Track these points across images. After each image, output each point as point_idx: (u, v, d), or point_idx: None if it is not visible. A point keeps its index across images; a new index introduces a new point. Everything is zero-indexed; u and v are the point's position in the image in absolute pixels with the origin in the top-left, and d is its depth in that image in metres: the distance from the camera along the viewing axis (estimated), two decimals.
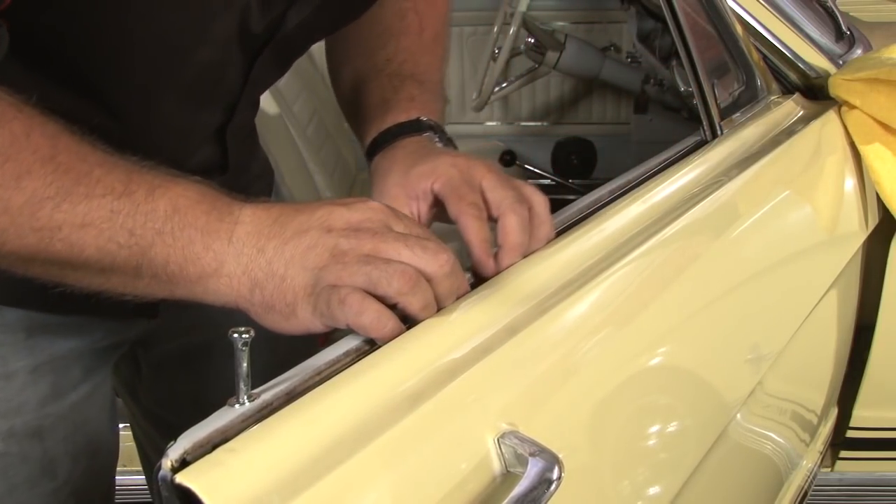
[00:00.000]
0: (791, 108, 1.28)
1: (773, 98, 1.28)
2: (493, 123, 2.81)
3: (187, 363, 0.91)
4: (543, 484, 0.51)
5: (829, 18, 1.49)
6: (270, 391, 0.49)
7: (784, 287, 1.06)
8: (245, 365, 0.47)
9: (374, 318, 0.53)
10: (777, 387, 1.07)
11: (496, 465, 0.54)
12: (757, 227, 0.99)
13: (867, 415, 1.46)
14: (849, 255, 1.25)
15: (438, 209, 0.67)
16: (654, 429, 0.76)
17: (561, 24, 2.61)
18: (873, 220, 1.31)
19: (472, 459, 0.53)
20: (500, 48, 2.39)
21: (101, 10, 0.58)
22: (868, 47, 1.50)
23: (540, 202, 0.67)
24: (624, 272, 0.73)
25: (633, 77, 2.35)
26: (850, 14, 1.68)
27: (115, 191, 0.53)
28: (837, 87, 1.29)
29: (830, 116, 1.28)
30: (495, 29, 2.45)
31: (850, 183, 1.27)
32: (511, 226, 0.64)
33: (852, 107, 1.27)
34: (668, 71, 1.76)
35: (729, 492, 1.01)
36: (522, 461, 0.53)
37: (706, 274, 0.86)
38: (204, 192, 0.55)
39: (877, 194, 1.28)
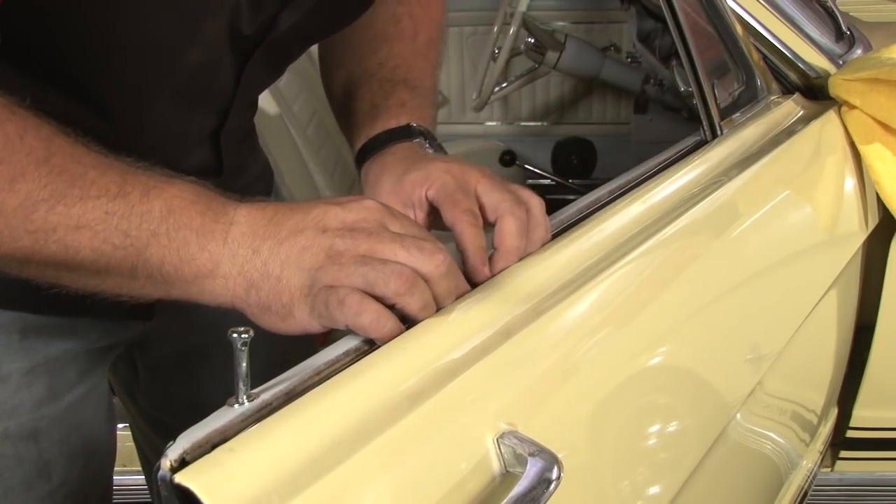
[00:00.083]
0: (791, 108, 1.28)
1: (773, 98, 1.28)
2: (493, 123, 2.81)
3: (184, 366, 0.91)
4: (543, 484, 0.51)
5: (829, 18, 1.49)
6: (270, 391, 0.49)
7: (784, 287, 1.06)
8: (244, 365, 0.47)
9: (374, 319, 0.53)
10: (777, 387, 1.07)
11: (495, 465, 0.54)
12: (757, 227, 0.99)
13: (867, 415, 1.46)
14: (849, 255, 1.25)
15: (434, 216, 0.66)
16: (654, 429, 0.76)
17: (561, 24, 2.61)
18: (873, 220, 1.31)
19: (471, 459, 0.53)
20: (500, 48, 2.39)
21: (90, 12, 0.58)
22: (868, 47, 1.50)
23: (536, 204, 0.67)
24: (624, 272, 0.73)
25: (633, 77, 2.35)
26: (850, 14, 1.68)
27: (110, 192, 0.53)
28: (837, 87, 1.29)
29: (830, 116, 1.28)
30: (495, 29, 2.45)
31: (850, 183, 1.27)
32: (508, 229, 0.64)
33: (852, 107, 1.27)
34: (668, 71, 1.76)
35: (729, 492, 1.01)
36: (522, 461, 0.53)
37: (706, 274, 0.86)
38: (199, 193, 0.55)
39: (877, 194, 1.28)
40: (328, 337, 0.57)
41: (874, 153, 1.25)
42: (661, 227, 0.80)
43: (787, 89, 1.36)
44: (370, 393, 0.51)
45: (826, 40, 1.41)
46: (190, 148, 0.75)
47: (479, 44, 2.66)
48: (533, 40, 2.38)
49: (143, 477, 1.19)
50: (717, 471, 0.90)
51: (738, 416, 0.93)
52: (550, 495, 0.51)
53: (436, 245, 0.56)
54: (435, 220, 0.66)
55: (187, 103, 0.70)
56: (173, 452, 0.43)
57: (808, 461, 1.34)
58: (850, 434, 1.48)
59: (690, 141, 1.03)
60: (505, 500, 0.50)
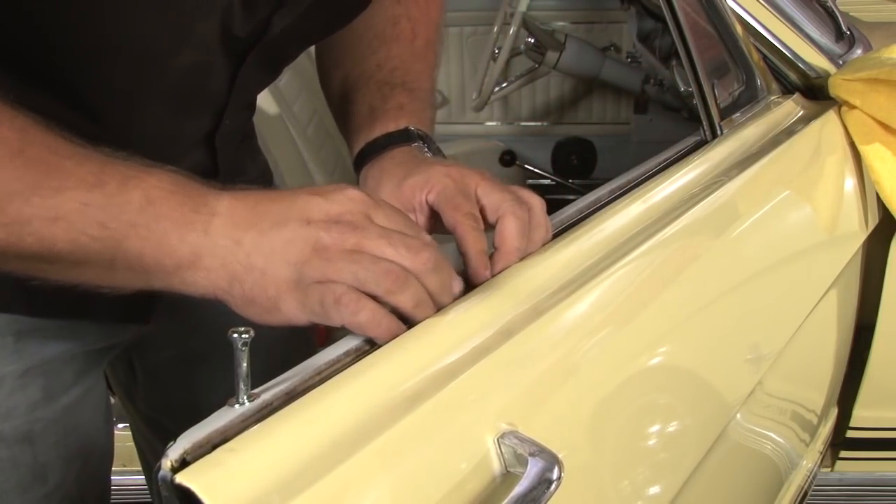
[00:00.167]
0: (791, 108, 1.28)
1: (773, 98, 1.28)
2: (493, 123, 2.81)
3: (182, 370, 0.91)
4: (543, 484, 0.51)
5: (829, 18, 1.49)
6: (270, 391, 0.49)
7: (784, 287, 1.06)
8: (245, 365, 0.47)
9: (370, 317, 0.52)
10: (777, 387, 1.07)
11: (496, 465, 0.54)
12: (757, 227, 0.99)
13: (867, 415, 1.46)
14: (849, 255, 1.25)
15: (434, 220, 0.66)
16: (654, 429, 0.76)
17: (561, 24, 2.61)
18: (873, 220, 1.31)
19: (471, 459, 0.53)
20: (500, 48, 2.39)
21: (78, 14, 0.58)
22: (868, 47, 1.50)
23: (537, 205, 0.67)
24: (624, 272, 0.73)
25: (633, 77, 2.35)
26: (850, 14, 1.68)
27: (87, 183, 0.52)
28: (837, 87, 1.29)
29: (830, 116, 1.28)
30: (495, 29, 2.45)
31: (850, 183, 1.27)
32: (510, 229, 0.64)
33: (852, 107, 1.27)
34: (668, 71, 1.76)
35: (729, 492, 1.01)
36: (522, 461, 0.53)
37: (706, 274, 0.86)
38: (179, 182, 0.54)
39: (877, 194, 1.28)
40: (328, 337, 0.57)
41: (874, 153, 1.25)
42: (662, 227, 0.80)
43: (787, 89, 1.36)
44: (371, 393, 0.51)
45: (826, 40, 1.41)
46: (184, 150, 0.74)
47: (479, 44, 2.66)
48: (533, 40, 2.38)
49: (143, 477, 1.19)
50: (717, 471, 0.90)
51: (739, 416, 0.93)
52: (551, 495, 0.51)
53: (422, 240, 0.56)
54: (436, 224, 0.66)
55: (179, 106, 0.70)
56: (174, 452, 0.43)
57: (808, 461, 1.34)
58: (850, 434, 1.48)
59: (690, 141, 1.03)
60: (505, 501, 0.50)
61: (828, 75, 1.34)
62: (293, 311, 0.53)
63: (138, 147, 0.55)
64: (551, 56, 2.33)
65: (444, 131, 2.70)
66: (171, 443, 0.44)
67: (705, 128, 1.04)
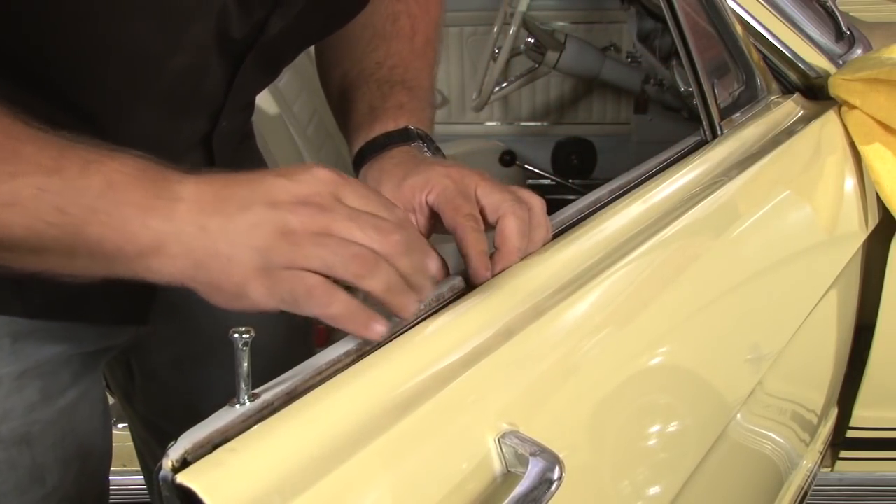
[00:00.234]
0: (791, 108, 1.28)
1: (773, 98, 1.28)
2: (493, 123, 2.81)
3: (180, 372, 0.90)
4: (544, 484, 0.51)
5: (829, 18, 1.49)
6: (271, 391, 0.49)
7: (784, 287, 1.06)
8: (245, 365, 0.47)
9: (343, 310, 0.51)
10: (777, 387, 1.07)
11: (497, 465, 0.54)
12: (757, 227, 0.99)
13: (867, 415, 1.46)
14: (849, 255, 1.25)
15: (434, 220, 0.66)
16: (655, 429, 0.76)
17: (561, 24, 2.61)
18: (873, 220, 1.31)
19: (472, 459, 0.53)
20: (500, 48, 2.39)
21: (70, 16, 0.57)
22: (868, 47, 1.50)
23: (537, 205, 0.67)
24: (624, 272, 0.73)
25: (633, 77, 2.35)
26: (850, 14, 1.68)
27: (45, 168, 0.50)
28: (837, 87, 1.29)
29: (830, 116, 1.28)
30: (495, 29, 2.45)
31: (850, 183, 1.27)
32: (510, 229, 0.64)
33: (852, 107, 1.27)
34: (668, 71, 1.76)
35: (729, 492, 1.01)
36: (523, 461, 0.53)
37: (706, 274, 0.86)
38: (144, 167, 0.52)
39: (877, 194, 1.28)
40: (329, 337, 0.57)
41: (874, 153, 1.25)
42: (662, 228, 0.80)
43: (787, 89, 1.36)
44: (372, 393, 0.51)
45: (826, 40, 1.41)
46: (181, 152, 0.73)
47: (479, 44, 2.66)
48: (533, 40, 2.38)
49: (143, 477, 1.19)
50: (717, 471, 0.90)
51: (739, 416, 0.93)
52: (552, 495, 0.51)
53: (393, 222, 0.54)
54: (436, 225, 0.66)
55: (174, 108, 0.69)
56: (175, 452, 0.43)
57: (808, 461, 1.34)
58: (850, 434, 1.48)
59: (690, 141, 1.03)
60: (506, 501, 0.50)
61: (828, 75, 1.34)
62: (261, 298, 0.51)
63: (134, 147, 0.54)
64: (551, 56, 2.33)
65: (444, 131, 2.70)
66: (172, 443, 0.44)
67: (705, 128, 1.04)
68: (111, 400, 0.94)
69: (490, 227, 0.65)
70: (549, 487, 0.51)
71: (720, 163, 0.99)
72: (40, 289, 0.68)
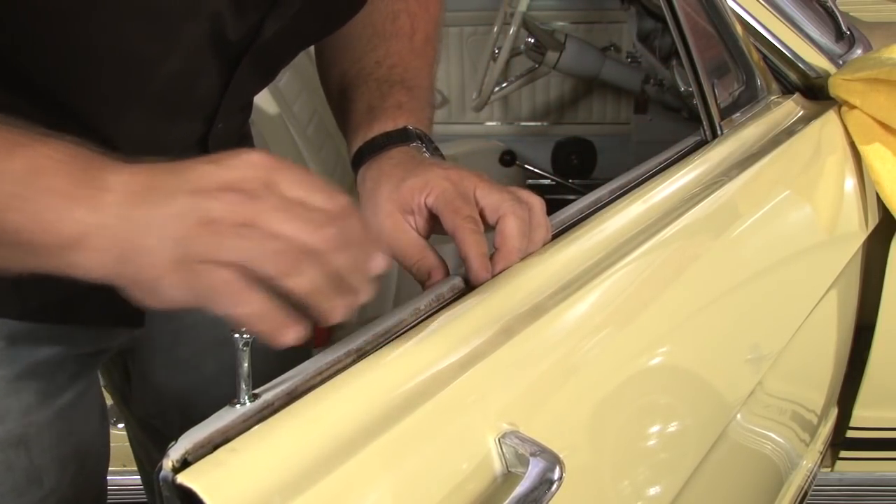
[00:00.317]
0: (791, 108, 1.28)
1: (773, 98, 1.28)
2: (493, 123, 2.81)
3: (175, 375, 0.90)
4: (544, 484, 0.51)
5: (829, 18, 1.49)
6: (271, 391, 0.49)
7: (784, 287, 1.06)
8: (246, 365, 0.47)
9: (255, 310, 0.46)
10: (777, 387, 1.07)
11: (497, 466, 0.54)
12: (757, 227, 0.99)
13: (867, 415, 1.46)
14: (849, 255, 1.25)
15: (433, 222, 0.66)
16: (655, 429, 0.76)
17: (561, 24, 2.61)
18: (873, 220, 1.31)
19: (473, 459, 0.53)
20: (500, 48, 2.39)
21: (60, 18, 0.57)
22: (868, 47, 1.50)
23: (537, 205, 0.67)
24: (624, 272, 0.73)
25: (633, 77, 2.35)
26: (850, 14, 1.68)
27: None
28: (837, 87, 1.29)
29: (830, 116, 1.28)
30: (495, 29, 2.45)
31: (850, 183, 1.27)
32: (510, 229, 0.64)
33: (852, 107, 1.27)
34: (668, 71, 1.76)
35: (729, 492, 1.01)
36: (523, 461, 0.53)
37: (706, 274, 0.86)
38: (74, 154, 0.49)
39: (877, 194, 1.28)
40: (329, 337, 0.56)
41: (874, 153, 1.25)
42: (662, 228, 0.80)
43: (787, 89, 1.36)
44: (372, 393, 0.51)
45: (826, 40, 1.41)
46: (176, 154, 0.73)
47: (479, 44, 2.66)
48: (533, 40, 2.38)
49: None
50: (717, 471, 0.90)
51: (739, 416, 0.93)
52: (552, 495, 0.51)
53: (330, 214, 0.48)
54: (435, 226, 0.66)
55: (166, 110, 0.69)
56: (175, 453, 0.43)
57: (808, 461, 1.34)
58: (850, 434, 1.48)
59: (690, 141, 1.03)
60: (507, 501, 0.50)
61: (828, 75, 1.34)
62: (177, 294, 0.47)
63: (127, 150, 0.53)
64: (551, 56, 2.33)
65: (444, 131, 2.70)
66: (173, 443, 0.44)
67: (705, 128, 1.04)
68: (109, 401, 0.94)
69: (490, 227, 0.65)
70: (550, 487, 0.51)
71: (720, 163, 0.99)
72: (36, 291, 0.67)
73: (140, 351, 0.89)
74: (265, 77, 0.78)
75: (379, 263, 0.51)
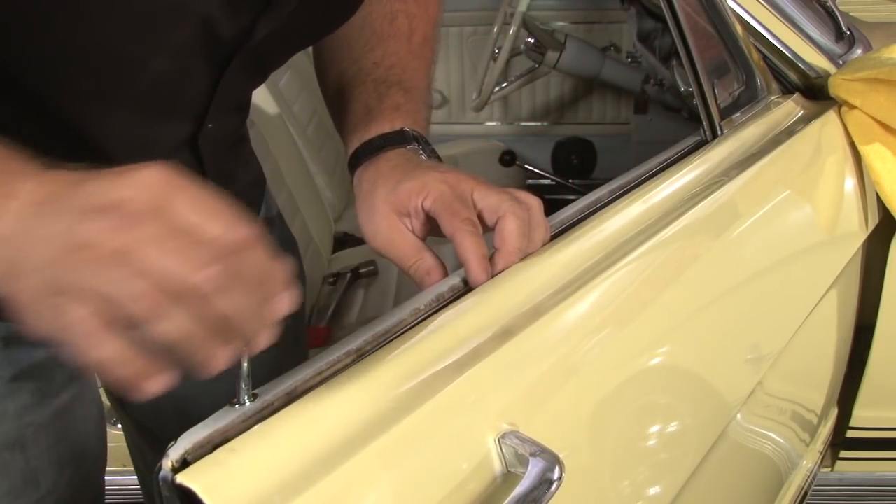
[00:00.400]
0: (791, 108, 1.28)
1: (773, 98, 1.28)
2: (493, 123, 2.81)
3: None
4: (544, 484, 0.51)
5: (829, 18, 1.49)
6: (271, 391, 0.49)
7: (784, 287, 1.06)
8: (245, 365, 0.47)
9: (107, 356, 0.41)
10: (777, 387, 1.07)
11: (497, 466, 0.54)
12: (757, 227, 0.99)
13: (867, 415, 1.46)
14: (849, 255, 1.25)
15: (431, 225, 0.66)
16: (655, 429, 0.76)
17: (561, 24, 2.61)
18: (873, 220, 1.31)
19: (472, 459, 0.53)
20: (500, 48, 2.39)
21: (44, 19, 0.56)
22: (868, 47, 1.50)
23: (536, 205, 0.67)
24: (624, 272, 0.73)
25: (633, 77, 2.35)
26: (850, 14, 1.68)
27: None
28: (837, 87, 1.29)
29: (830, 116, 1.28)
30: (495, 29, 2.46)
31: (850, 183, 1.27)
32: (510, 229, 0.63)
33: (852, 107, 1.27)
34: (668, 71, 1.76)
35: (729, 492, 1.01)
36: (523, 461, 0.53)
37: (706, 274, 0.86)
38: None
39: (877, 194, 1.28)
40: (329, 337, 0.56)
41: (874, 153, 1.25)
42: (662, 228, 0.80)
43: (787, 89, 1.36)
44: (371, 393, 0.51)
45: (826, 40, 1.41)
46: (166, 154, 0.72)
47: (479, 44, 2.66)
48: (533, 40, 2.39)
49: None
50: (717, 471, 0.90)
51: (739, 416, 0.93)
52: (552, 495, 0.51)
53: (223, 246, 0.42)
54: (432, 229, 0.66)
55: (153, 110, 0.68)
56: (175, 452, 0.43)
57: (808, 461, 1.34)
58: (850, 434, 1.48)
59: (690, 141, 1.03)
60: (507, 501, 0.50)
61: (828, 75, 1.34)
62: (32, 324, 0.43)
63: (114, 150, 0.51)
64: (551, 56, 2.33)
65: (443, 131, 2.70)
66: (172, 443, 0.44)
67: (705, 128, 1.04)
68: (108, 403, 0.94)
69: (489, 229, 0.65)
70: (549, 487, 0.51)
71: (720, 163, 0.99)
72: None
73: None
74: (256, 77, 0.77)
75: (282, 305, 0.45)
